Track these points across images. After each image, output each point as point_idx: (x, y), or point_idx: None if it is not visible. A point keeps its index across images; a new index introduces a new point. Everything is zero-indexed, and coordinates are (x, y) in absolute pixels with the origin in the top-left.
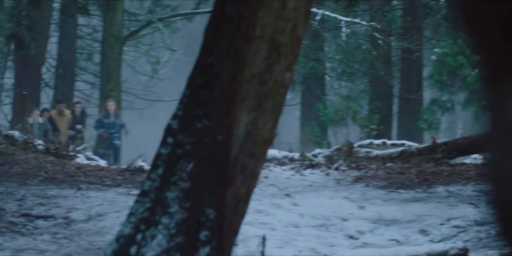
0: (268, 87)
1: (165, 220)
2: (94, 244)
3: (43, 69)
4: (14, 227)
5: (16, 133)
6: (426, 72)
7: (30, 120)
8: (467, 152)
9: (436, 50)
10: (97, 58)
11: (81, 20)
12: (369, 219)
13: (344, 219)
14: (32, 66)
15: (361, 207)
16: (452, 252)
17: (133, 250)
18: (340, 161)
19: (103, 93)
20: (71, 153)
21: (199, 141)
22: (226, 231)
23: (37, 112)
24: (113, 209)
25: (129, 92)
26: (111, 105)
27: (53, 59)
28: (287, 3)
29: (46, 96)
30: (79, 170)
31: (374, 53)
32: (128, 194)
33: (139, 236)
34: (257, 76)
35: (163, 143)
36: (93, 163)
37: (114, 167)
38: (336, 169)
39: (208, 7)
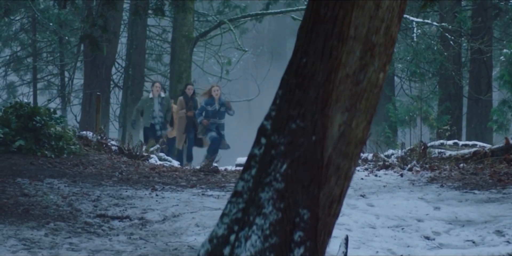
0: (362, 87)
1: (259, 220)
2: (170, 245)
3: (113, 70)
4: (89, 227)
5: (89, 134)
6: (494, 72)
7: (150, 94)
8: None
9: (505, 51)
10: (166, 58)
11: (150, 20)
12: (444, 219)
13: (419, 220)
14: (102, 66)
15: (436, 208)
16: None
17: (226, 251)
18: (414, 162)
19: (173, 94)
20: (145, 154)
21: (293, 142)
22: (319, 232)
23: (158, 84)
24: (188, 209)
25: (198, 93)
26: (216, 90)
27: (122, 59)
28: (381, 3)
29: (116, 97)
30: (153, 171)
31: (445, 54)
32: (203, 195)
33: (232, 237)
34: (351, 76)
35: (256, 143)
36: (166, 163)
37: (187, 168)
38: (410, 170)
39: (277, 8)
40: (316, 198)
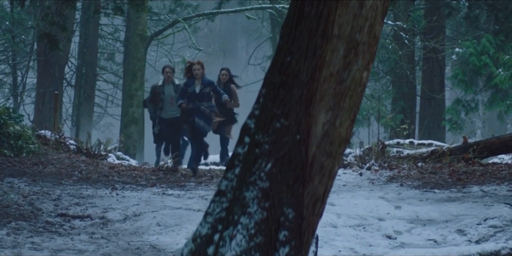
0: (345, 86)
1: (243, 220)
2: (132, 244)
3: (66, 69)
4: (51, 227)
5: (47, 133)
6: (446, 71)
7: (160, 81)
8: (499, 151)
9: (457, 50)
10: (118, 57)
11: (102, 19)
12: (405, 219)
13: (380, 219)
14: (55, 65)
15: (397, 207)
16: (504, 252)
17: (210, 250)
18: (372, 161)
19: (127, 93)
20: (103, 153)
21: (277, 141)
22: (304, 231)
23: (168, 69)
24: (149, 209)
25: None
26: (197, 69)
27: (75, 58)
28: (365, 2)
29: (68, 96)
30: (112, 170)
31: (400, 52)
32: (164, 194)
33: (216, 236)
34: (335, 75)
35: (240, 142)
36: (125, 163)
37: (146, 166)
38: (369, 168)
39: (230, 7)
40: (300, 197)
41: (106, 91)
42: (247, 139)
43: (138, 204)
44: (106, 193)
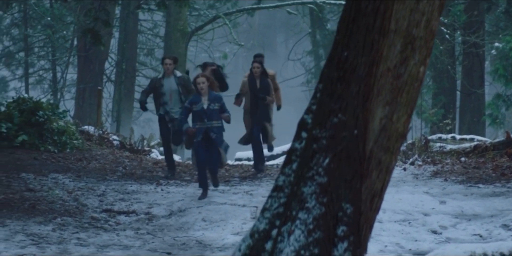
0: (402, 81)
1: (302, 215)
2: (178, 240)
3: (106, 64)
4: (96, 222)
5: (91, 129)
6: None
7: (160, 74)
8: None
9: (497, 44)
10: (157, 53)
11: (141, 15)
12: (450, 213)
13: (426, 214)
14: (95, 61)
15: (442, 202)
16: None
17: (268, 245)
18: (415, 156)
19: None
20: (146, 148)
21: (335, 136)
22: (362, 226)
23: (168, 60)
24: (194, 204)
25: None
26: (201, 83)
27: (114, 54)
28: None
29: (108, 91)
30: (156, 165)
31: (441, 48)
32: (208, 189)
33: (274, 232)
34: (392, 70)
35: (297, 137)
36: None
37: (190, 162)
38: (412, 164)
39: (270, 2)
40: (358, 192)
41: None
42: (304, 134)
43: (183, 200)
44: (150, 189)
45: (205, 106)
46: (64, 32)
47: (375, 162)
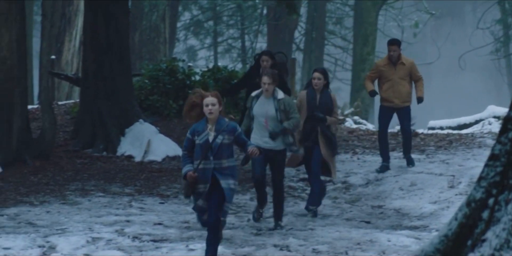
0: None
1: None
2: (375, 209)
3: (295, 33)
4: (293, 191)
5: None
6: None
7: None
8: None
9: None
10: (346, 22)
11: None
12: None
13: None
14: (285, 30)
15: None
16: None
17: (485, 214)
18: None
19: (358, 57)
20: (340, 117)
21: None
22: None
23: (267, 78)
24: (391, 173)
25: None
26: (211, 104)
27: (303, 22)
28: None
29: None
30: (351, 134)
31: None
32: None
33: (491, 201)
34: None
35: None
36: (362, 127)
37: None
38: None
39: None
40: None
41: (335, 55)
42: None
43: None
44: (347, 158)
45: (210, 139)
46: (255, 0)
47: None
